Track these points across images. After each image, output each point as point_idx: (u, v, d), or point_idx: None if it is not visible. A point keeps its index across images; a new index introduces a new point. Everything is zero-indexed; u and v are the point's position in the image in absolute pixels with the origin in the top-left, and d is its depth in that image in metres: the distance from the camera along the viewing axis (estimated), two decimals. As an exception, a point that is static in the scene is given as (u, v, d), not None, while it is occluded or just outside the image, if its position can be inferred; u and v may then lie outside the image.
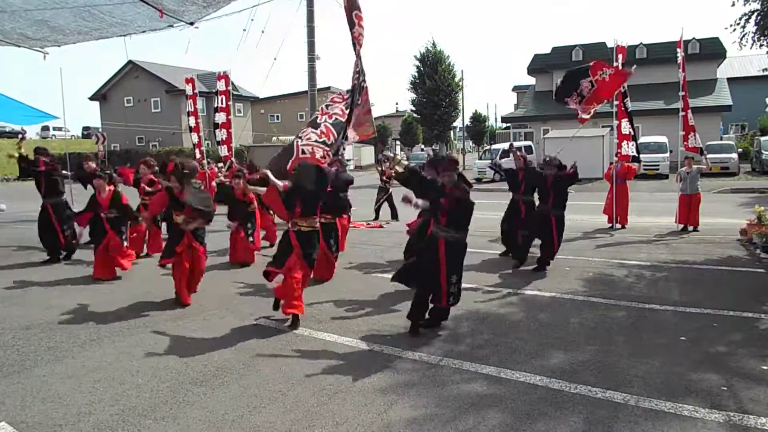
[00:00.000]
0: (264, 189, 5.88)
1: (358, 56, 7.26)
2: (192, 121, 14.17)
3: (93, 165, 8.69)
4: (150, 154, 35.79)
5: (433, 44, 35.71)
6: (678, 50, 11.03)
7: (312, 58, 15.73)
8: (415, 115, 40.93)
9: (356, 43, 7.27)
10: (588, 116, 9.62)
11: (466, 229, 5.09)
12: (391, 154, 6.65)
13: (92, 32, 10.10)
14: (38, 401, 3.83)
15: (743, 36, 10.83)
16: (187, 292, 6.22)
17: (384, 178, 12.44)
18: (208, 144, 31.81)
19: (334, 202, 7.12)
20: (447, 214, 4.97)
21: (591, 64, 9.59)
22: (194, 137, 14.13)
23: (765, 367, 4.16)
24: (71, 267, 8.26)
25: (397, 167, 5.46)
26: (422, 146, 48.88)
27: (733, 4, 10.78)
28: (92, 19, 9.31)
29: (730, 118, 38.24)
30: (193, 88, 13.96)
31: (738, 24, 10.83)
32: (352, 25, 7.26)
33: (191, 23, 9.85)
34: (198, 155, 13.44)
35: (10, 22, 9.27)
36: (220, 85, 14.18)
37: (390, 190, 12.70)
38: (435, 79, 35.01)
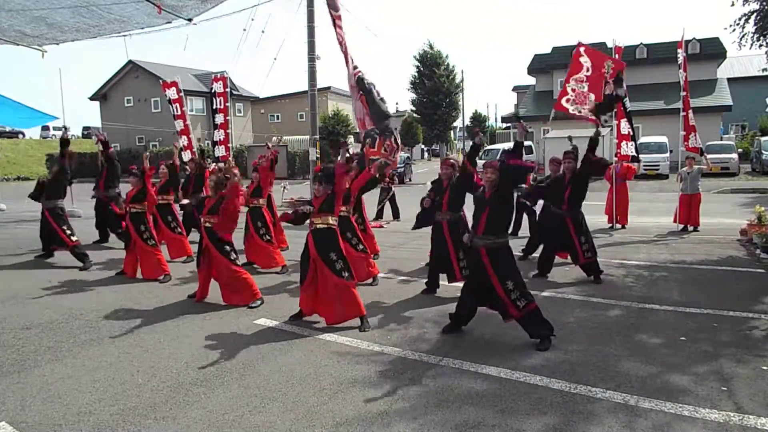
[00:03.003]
0: None
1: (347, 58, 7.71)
2: (180, 124, 14.13)
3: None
4: (151, 153, 35.87)
5: (430, 45, 35.76)
6: (679, 51, 11.03)
7: (312, 58, 15.73)
8: (415, 115, 40.94)
9: (342, 44, 7.76)
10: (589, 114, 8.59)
11: (506, 233, 4.86)
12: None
13: (90, 29, 10.09)
14: (38, 401, 3.83)
15: (743, 36, 10.84)
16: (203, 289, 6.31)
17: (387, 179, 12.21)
18: (208, 144, 31.90)
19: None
20: (487, 219, 4.71)
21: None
22: (183, 140, 14.09)
23: (765, 367, 4.16)
24: (71, 267, 8.26)
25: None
26: (423, 146, 48.68)
27: (733, 4, 10.79)
28: (90, 16, 9.31)
29: (730, 118, 38.25)
30: (177, 91, 13.99)
31: (738, 24, 10.84)
32: (334, 26, 7.70)
33: (189, 20, 9.85)
34: (189, 157, 13.45)
35: (7, 20, 9.27)
36: (217, 87, 14.24)
37: (393, 190, 12.68)
38: (434, 80, 35.04)
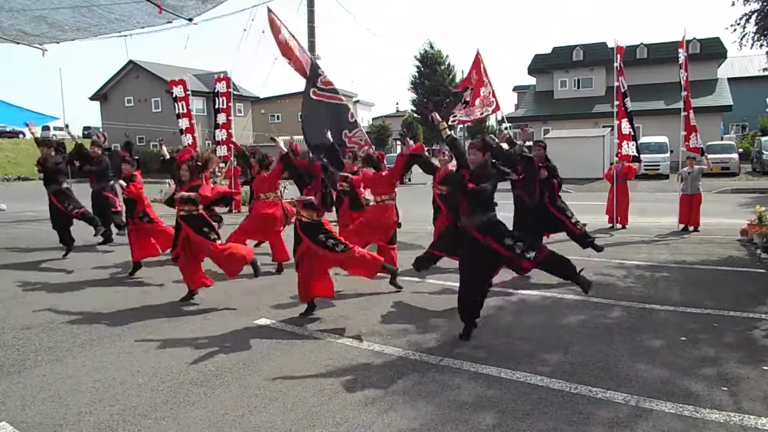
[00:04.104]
0: None
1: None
2: (185, 123, 14.05)
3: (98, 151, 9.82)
4: (152, 153, 35.86)
5: (431, 45, 35.84)
6: (680, 50, 11.04)
7: (312, 58, 15.74)
8: (415, 115, 40.96)
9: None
10: (474, 116, 10.69)
11: (492, 209, 4.78)
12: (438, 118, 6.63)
13: (91, 28, 10.09)
14: (38, 401, 3.83)
15: (743, 36, 10.88)
16: (192, 279, 6.26)
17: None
18: (208, 144, 31.96)
19: None
20: (468, 200, 4.71)
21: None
22: (188, 138, 14.02)
23: (765, 368, 4.16)
24: (72, 267, 8.26)
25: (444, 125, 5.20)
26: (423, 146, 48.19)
27: (733, 4, 10.82)
28: (91, 15, 9.32)
29: (730, 118, 38.24)
30: (185, 89, 13.93)
31: (738, 24, 10.87)
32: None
33: (189, 19, 9.85)
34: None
35: (8, 19, 9.29)
36: (221, 87, 14.25)
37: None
38: (434, 80, 35.10)
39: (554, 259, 4.78)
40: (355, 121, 8.56)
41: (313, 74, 8.11)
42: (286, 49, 8.05)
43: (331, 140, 7.44)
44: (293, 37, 8.20)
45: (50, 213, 9.04)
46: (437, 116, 5.20)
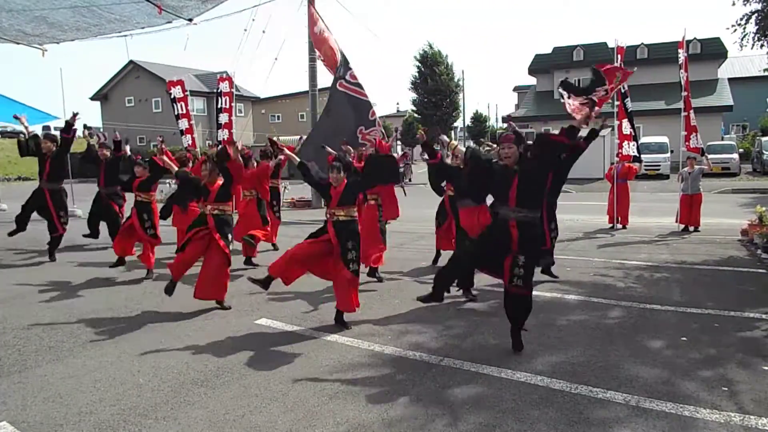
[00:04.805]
0: None
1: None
2: (184, 124, 14.01)
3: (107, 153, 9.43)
4: (153, 154, 35.94)
5: (430, 46, 35.88)
6: (680, 51, 11.04)
7: (313, 58, 15.76)
8: (416, 115, 40.97)
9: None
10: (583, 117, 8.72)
11: (539, 209, 4.54)
12: (446, 139, 6.28)
13: (91, 28, 10.13)
14: (39, 401, 3.83)
15: (744, 36, 10.90)
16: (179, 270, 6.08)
17: None
18: (208, 144, 31.93)
19: None
20: (517, 191, 4.39)
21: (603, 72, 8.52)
22: (187, 139, 13.98)
23: (766, 368, 4.16)
24: (72, 267, 8.27)
25: (458, 148, 5.13)
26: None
27: (734, 5, 10.84)
28: (91, 15, 9.36)
29: (731, 119, 38.25)
30: (183, 90, 13.92)
31: (739, 24, 10.89)
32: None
33: (189, 19, 9.89)
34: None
35: (8, 19, 9.31)
36: (223, 87, 14.26)
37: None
38: (435, 80, 35.14)
39: (528, 303, 4.57)
40: (375, 120, 8.66)
41: (343, 67, 8.39)
42: (319, 42, 8.30)
43: (332, 152, 7.46)
44: (328, 29, 8.54)
45: (33, 201, 8.88)
46: (445, 138, 5.49)
